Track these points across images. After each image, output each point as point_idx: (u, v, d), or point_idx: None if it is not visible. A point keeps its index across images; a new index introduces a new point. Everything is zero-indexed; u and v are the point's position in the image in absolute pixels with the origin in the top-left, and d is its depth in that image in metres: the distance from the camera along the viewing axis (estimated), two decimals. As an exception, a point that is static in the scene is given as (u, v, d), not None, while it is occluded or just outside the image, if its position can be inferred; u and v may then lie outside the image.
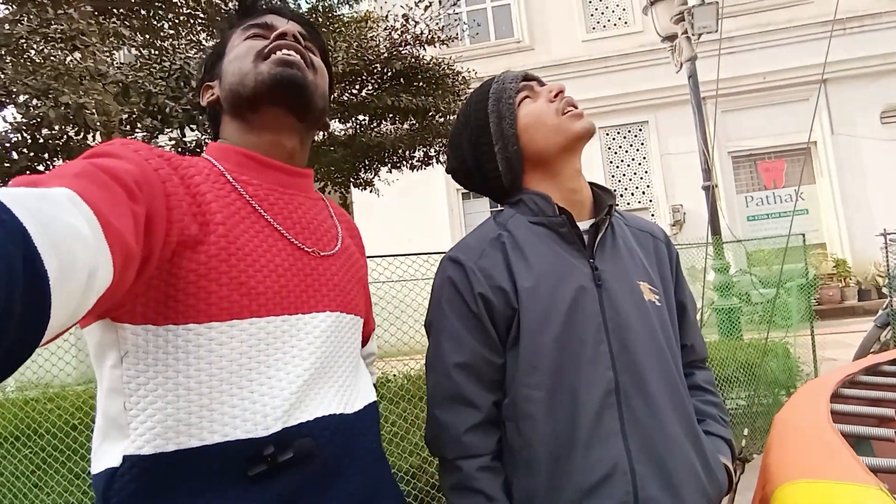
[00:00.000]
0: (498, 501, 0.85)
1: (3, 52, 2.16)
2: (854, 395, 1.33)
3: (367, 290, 0.94)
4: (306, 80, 0.76)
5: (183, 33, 4.17)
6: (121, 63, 2.28)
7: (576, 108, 0.94)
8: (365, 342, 0.99)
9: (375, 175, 4.97)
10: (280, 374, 0.67)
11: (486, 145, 0.96)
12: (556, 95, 0.94)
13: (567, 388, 0.85)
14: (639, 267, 0.95)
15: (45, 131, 2.30)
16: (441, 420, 0.90)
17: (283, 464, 0.63)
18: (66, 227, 0.41)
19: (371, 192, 5.02)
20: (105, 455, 0.62)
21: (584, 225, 0.94)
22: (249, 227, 0.69)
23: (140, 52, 3.11)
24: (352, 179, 4.95)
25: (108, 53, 2.38)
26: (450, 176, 1.08)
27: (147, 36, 3.31)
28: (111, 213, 0.49)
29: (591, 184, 1.01)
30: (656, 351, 0.90)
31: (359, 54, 3.18)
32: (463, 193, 11.07)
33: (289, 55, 0.75)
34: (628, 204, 10.69)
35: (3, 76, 2.03)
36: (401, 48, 3.40)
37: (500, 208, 1.01)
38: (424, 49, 3.63)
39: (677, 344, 0.97)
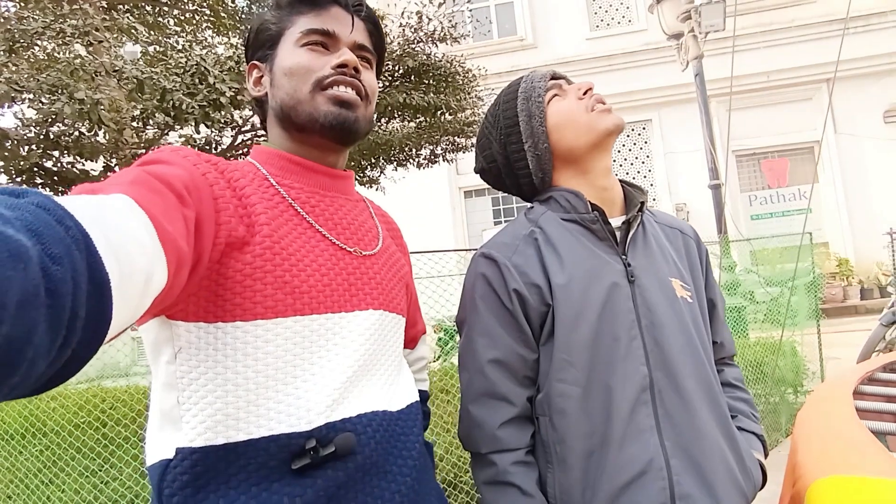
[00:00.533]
0: (532, 496, 0.86)
1: (18, 48, 2.16)
2: (875, 393, 1.34)
3: (412, 290, 0.95)
4: (358, 121, 0.77)
5: (189, 30, 4.16)
6: (129, 59, 2.28)
7: (604, 104, 0.94)
8: (413, 345, 1.00)
9: (381, 173, 4.96)
10: (324, 371, 0.68)
11: (516, 144, 0.96)
12: (585, 93, 0.95)
13: (601, 384, 0.86)
14: (670, 264, 0.96)
15: (55, 128, 2.30)
16: (475, 415, 0.91)
17: (325, 458, 0.64)
18: (125, 233, 0.44)
19: (377, 189, 5.01)
20: (159, 447, 0.65)
21: (615, 222, 0.94)
22: (293, 228, 0.71)
23: (146, 48, 3.11)
24: (357, 178, 4.94)
25: (120, 49, 2.38)
26: (459, 175, 1.08)
27: (153, 32, 3.30)
28: (165, 218, 0.51)
29: (621, 181, 1.01)
30: (689, 347, 0.90)
31: None
32: (465, 192, 11.08)
33: (346, 93, 0.75)
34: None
35: (17, 72, 2.02)
36: (414, 45, 3.39)
37: (511, 205, 1.01)
38: (437, 46, 3.62)
39: (709, 341, 0.98)
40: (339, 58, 0.75)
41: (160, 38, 4.02)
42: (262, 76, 0.81)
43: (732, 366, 1.09)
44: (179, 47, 2.79)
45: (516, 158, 0.97)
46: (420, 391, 0.99)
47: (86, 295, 0.36)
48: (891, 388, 1.36)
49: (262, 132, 0.91)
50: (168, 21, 4.45)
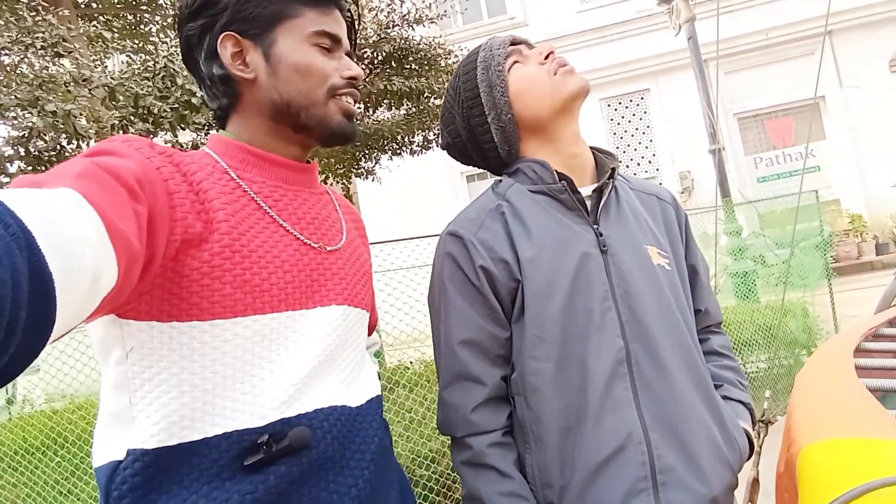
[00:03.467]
0: (511, 477, 0.83)
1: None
2: (878, 349, 1.28)
3: (371, 282, 0.94)
4: (357, 131, 0.81)
5: (172, 35, 4.12)
6: (105, 68, 2.25)
7: (566, 65, 0.89)
8: (370, 332, 0.99)
9: (376, 163, 4.91)
10: (282, 368, 0.67)
11: (479, 117, 0.92)
12: (546, 57, 0.90)
13: (575, 358, 0.82)
14: (646, 231, 0.92)
15: (39, 143, 2.29)
16: (448, 401, 0.89)
17: (279, 454, 0.63)
18: (70, 229, 0.41)
19: (373, 180, 4.97)
20: (108, 448, 0.63)
21: (586, 190, 0.90)
22: (254, 224, 0.69)
23: (130, 57, 3.07)
24: (353, 170, 4.90)
25: (96, 60, 2.34)
26: (447, 154, 1.04)
27: (136, 41, 3.26)
28: (114, 213, 0.48)
29: (592, 148, 0.97)
30: (667, 316, 0.86)
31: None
32: (467, 176, 11.00)
33: (353, 106, 0.79)
34: (634, 174, 10.56)
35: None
36: (388, 30, 3.32)
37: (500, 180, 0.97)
38: (413, 29, 3.55)
39: (690, 309, 0.93)
40: (350, 70, 0.77)
41: (144, 45, 3.98)
42: (245, 55, 0.73)
43: (719, 333, 1.04)
44: (158, 53, 2.75)
45: (480, 132, 0.93)
46: None
47: (27, 296, 0.34)
48: (894, 342, 1.30)
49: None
50: (150, 28, 4.41)
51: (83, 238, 0.42)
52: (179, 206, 0.61)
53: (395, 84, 3.33)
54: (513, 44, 0.95)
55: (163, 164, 0.62)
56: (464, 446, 0.87)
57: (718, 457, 0.83)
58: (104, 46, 2.43)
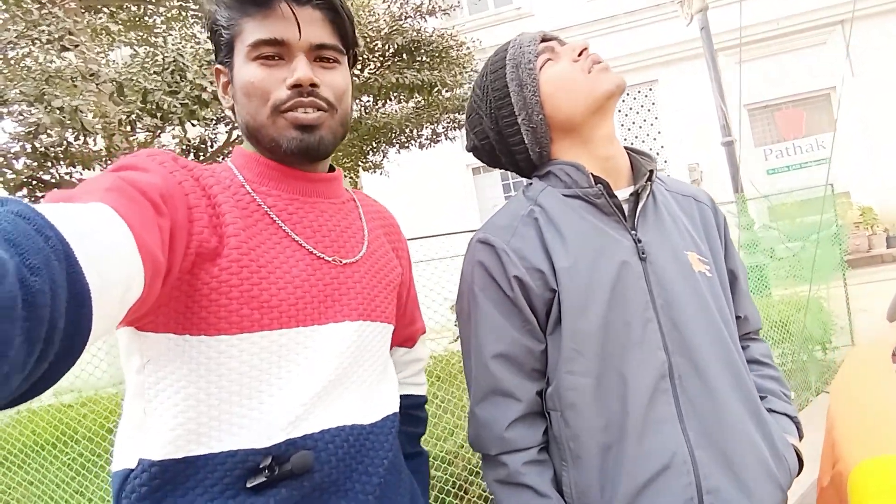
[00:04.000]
0: (548, 496, 0.80)
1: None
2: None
3: (409, 288, 0.91)
4: (322, 140, 0.72)
5: (176, 27, 4.07)
6: (112, 62, 2.20)
7: (601, 63, 0.84)
8: (412, 344, 0.96)
9: (384, 157, 4.86)
10: (291, 385, 0.66)
11: (509, 117, 0.88)
12: (579, 54, 0.85)
13: (615, 373, 0.79)
14: (685, 236, 0.87)
15: (44, 139, 2.25)
16: (481, 417, 0.85)
17: (281, 477, 0.62)
18: (104, 242, 0.43)
19: (381, 174, 4.93)
20: (124, 455, 0.65)
21: (622, 194, 0.86)
22: (266, 239, 0.68)
23: (135, 49, 3.01)
24: (360, 163, 4.86)
25: (102, 53, 2.30)
26: (473, 156, 0.99)
27: (141, 33, 3.21)
28: (142, 227, 0.50)
29: (626, 149, 0.92)
30: (711, 327, 0.82)
31: (361, 33, 3.03)
32: (473, 168, 10.93)
33: (306, 116, 0.69)
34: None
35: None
36: (401, 22, 3.25)
37: (521, 180, 0.93)
38: (426, 20, 3.48)
39: (732, 317, 0.89)
40: (293, 75, 0.68)
41: (149, 37, 3.93)
42: (228, 82, 0.75)
43: (758, 341, 1.00)
44: (166, 46, 2.70)
45: (510, 133, 0.89)
46: (415, 395, 0.95)
47: (65, 305, 0.35)
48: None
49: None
50: (156, 20, 4.36)
51: (116, 250, 0.44)
52: (197, 220, 0.62)
53: (406, 77, 3.27)
54: (543, 40, 0.90)
55: (184, 179, 0.63)
56: (498, 464, 0.83)
57: (767, 476, 0.79)
58: (110, 39, 2.38)
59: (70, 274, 0.36)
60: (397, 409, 0.80)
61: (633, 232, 0.83)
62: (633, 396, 0.77)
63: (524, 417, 0.83)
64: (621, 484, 0.77)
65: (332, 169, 0.82)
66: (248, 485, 0.62)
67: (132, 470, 0.63)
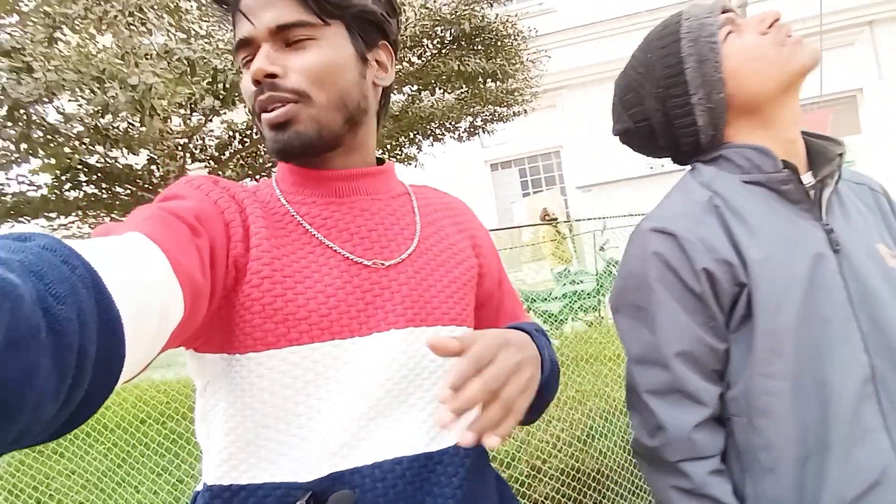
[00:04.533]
0: None
1: (57, 37, 2.01)
2: None
3: (498, 287, 0.81)
4: (299, 135, 0.64)
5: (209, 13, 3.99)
6: (186, 41, 2.13)
7: (792, 35, 0.77)
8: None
9: (419, 149, 4.79)
10: (333, 408, 0.60)
11: (681, 96, 0.81)
12: (770, 25, 0.77)
13: (813, 377, 0.71)
14: (870, 227, 0.80)
15: (104, 119, 2.18)
16: (662, 418, 0.77)
17: None
18: (136, 269, 0.43)
19: (416, 166, 4.86)
20: (202, 477, 0.65)
21: (805, 179, 0.78)
22: (297, 249, 0.64)
23: (207, 30, 2.90)
24: (394, 155, 4.78)
25: (172, 30, 2.23)
26: (620, 141, 0.92)
27: (202, 9, 3.10)
28: (179, 251, 0.50)
29: (802, 132, 0.84)
30: None
31: (429, 13, 2.91)
32: (491, 164, 10.86)
33: (271, 115, 0.63)
34: (662, 166, 10.38)
35: (64, 61, 1.88)
36: (473, 6, 3.14)
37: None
38: (491, 6, 3.39)
39: None
40: (252, 72, 0.63)
41: (208, 13, 3.84)
42: None
43: None
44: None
45: (679, 114, 0.81)
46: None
47: (96, 333, 0.36)
48: None
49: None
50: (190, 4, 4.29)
51: (150, 275, 0.44)
52: (234, 236, 0.61)
53: (468, 65, 3.18)
54: (723, 11, 0.82)
55: (220, 197, 0.62)
56: (678, 473, 0.76)
57: None
58: (179, 18, 2.30)
59: (99, 301, 0.37)
60: None
61: (824, 223, 0.76)
62: (837, 403, 0.70)
63: (708, 422, 0.76)
64: (822, 501, 0.70)
65: (381, 162, 0.76)
66: None
67: (198, 492, 0.64)
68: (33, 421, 0.32)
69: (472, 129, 4.49)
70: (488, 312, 0.80)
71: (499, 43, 3.28)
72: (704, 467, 0.75)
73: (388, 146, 4.63)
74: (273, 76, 0.62)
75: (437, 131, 4.52)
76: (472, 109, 4.23)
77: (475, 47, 3.27)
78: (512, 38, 3.43)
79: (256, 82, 0.62)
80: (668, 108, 0.82)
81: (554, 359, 0.73)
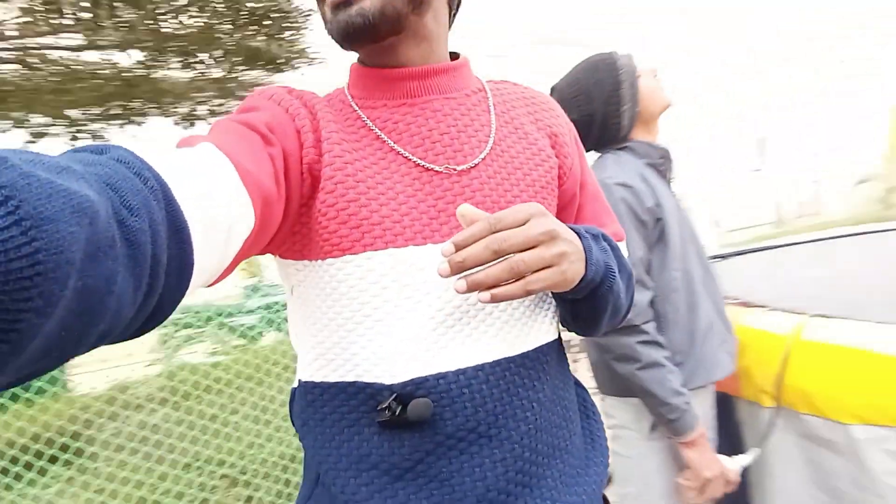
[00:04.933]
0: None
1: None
2: None
3: (581, 188, 0.77)
4: (364, 14, 0.61)
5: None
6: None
7: None
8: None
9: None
10: (411, 314, 0.61)
11: (616, 105, 1.31)
12: (656, 76, 1.36)
13: (685, 269, 1.30)
14: None
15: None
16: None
17: (400, 421, 0.59)
18: (206, 179, 0.45)
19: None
20: (298, 373, 0.70)
21: None
22: (368, 154, 0.64)
23: None
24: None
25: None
26: None
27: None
28: (248, 160, 0.51)
29: None
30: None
31: None
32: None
33: None
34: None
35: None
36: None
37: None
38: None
39: None
40: None
41: None
42: None
43: None
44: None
45: (613, 115, 1.31)
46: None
47: (166, 242, 0.38)
48: None
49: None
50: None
51: (217, 185, 0.46)
52: (305, 143, 0.61)
53: (261, 45, 2.83)
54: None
55: (291, 104, 0.63)
56: (641, 331, 1.18)
57: None
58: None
59: (169, 212, 0.39)
60: (556, 337, 0.72)
61: (672, 190, 1.36)
62: (695, 283, 1.29)
63: (650, 299, 1.25)
64: (698, 332, 1.27)
65: (455, 57, 0.73)
66: (377, 420, 0.60)
67: (295, 388, 0.69)
68: (113, 324, 0.33)
69: (191, 117, 3.99)
70: (568, 216, 0.76)
71: (282, 28, 3.04)
72: (652, 327, 1.19)
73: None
74: None
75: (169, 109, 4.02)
76: (203, 93, 3.81)
77: (257, 24, 2.98)
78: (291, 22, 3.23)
79: None
80: (607, 110, 1.31)
81: (628, 268, 0.72)
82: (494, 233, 0.52)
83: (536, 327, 0.68)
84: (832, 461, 1.18)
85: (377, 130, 0.65)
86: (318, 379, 0.65)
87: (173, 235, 0.39)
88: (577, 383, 0.75)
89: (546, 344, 0.68)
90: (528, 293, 0.53)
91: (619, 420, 1.30)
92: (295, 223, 0.62)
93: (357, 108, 0.67)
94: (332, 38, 0.65)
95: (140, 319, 0.38)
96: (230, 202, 0.47)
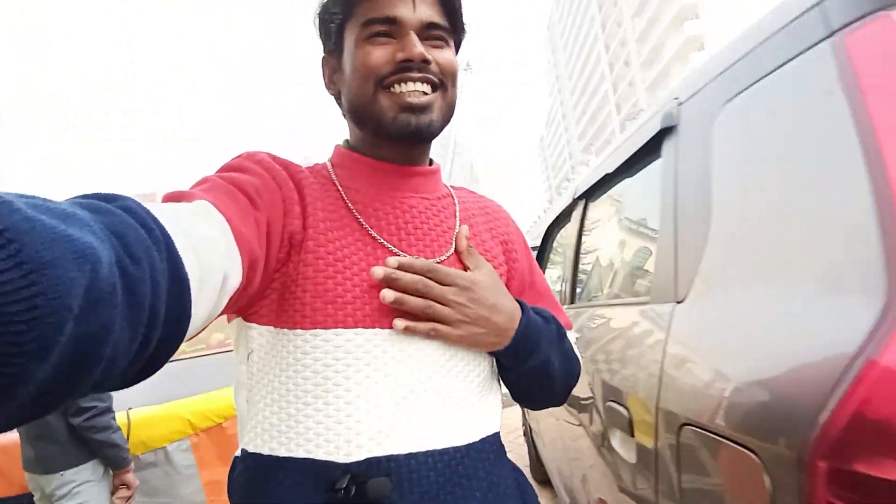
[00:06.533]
0: None
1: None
2: None
3: (530, 287, 0.84)
4: (432, 123, 0.69)
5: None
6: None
7: None
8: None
9: None
10: (371, 394, 0.62)
11: None
12: None
13: None
14: None
15: None
16: None
17: (359, 499, 0.59)
18: (203, 234, 0.47)
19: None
20: (240, 441, 0.67)
21: None
22: (347, 235, 0.67)
23: None
24: None
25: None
26: None
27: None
28: (239, 220, 0.54)
29: None
30: None
31: None
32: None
33: (416, 99, 0.67)
34: None
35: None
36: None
37: None
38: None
39: None
40: (403, 51, 0.67)
41: None
42: (335, 72, 0.75)
43: None
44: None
45: None
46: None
47: (166, 293, 0.39)
48: None
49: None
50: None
51: (214, 242, 0.48)
52: (290, 213, 0.64)
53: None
54: None
55: (278, 174, 0.66)
56: None
57: None
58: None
59: (171, 264, 0.40)
60: (497, 430, 0.74)
61: None
62: None
63: None
64: None
65: (430, 162, 0.79)
66: (326, 499, 0.59)
67: (237, 456, 0.66)
68: (107, 373, 0.33)
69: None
70: None
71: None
72: None
73: None
74: (427, 62, 0.67)
75: None
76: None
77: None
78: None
79: (407, 61, 0.66)
80: None
81: (569, 351, 0.79)
82: (427, 276, 0.65)
83: (483, 418, 0.71)
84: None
85: (357, 214, 0.69)
86: (266, 451, 0.63)
87: (172, 286, 0.40)
88: (514, 467, 0.76)
89: (491, 434, 0.71)
90: (431, 337, 0.65)
91: None
92: (266, 287, 0.63)
93: (340, 189, 0.70)
94: (388, 128, 0.68)
95: (134, 369, 0.38)
96: (224, 259, 0.49)
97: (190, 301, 0.42)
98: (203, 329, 0.50)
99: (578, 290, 2.08)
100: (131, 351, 0.35)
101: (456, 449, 0.66)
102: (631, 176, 1.51)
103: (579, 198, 2.08)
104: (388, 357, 0.64)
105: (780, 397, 0.63)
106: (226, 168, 0.65)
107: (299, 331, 0.62)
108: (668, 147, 1.16)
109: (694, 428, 0.81)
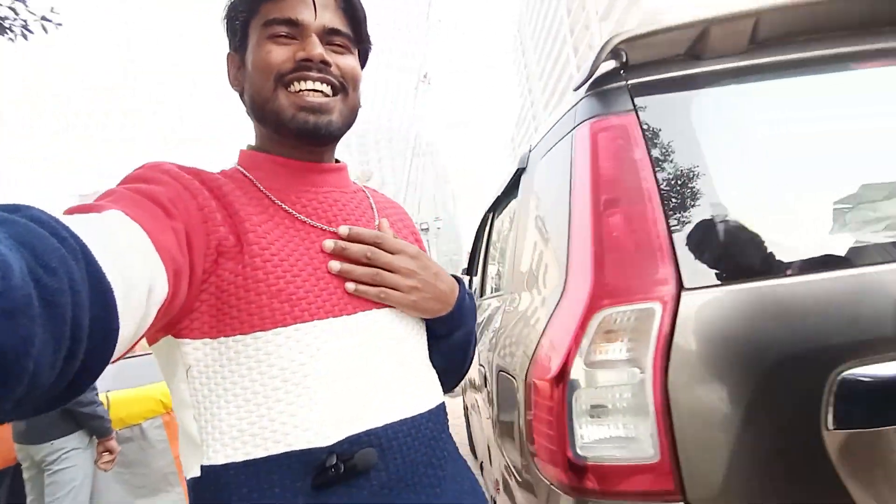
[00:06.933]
0: None
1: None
2: None
3: None
4: (331, 124, 0.71)
5: None
6: None
7: None
8: None
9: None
10: (339, 379, 0.64)
11: None
12: None
13: None
14: None
15: None
16: None
17: (349, 474, 0.61)
18: (122, 243, 0.45)
19: None
20: (189, 464, 0.64)
21: None
22: (284, 232, 0.67)
23: None
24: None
25: None
26: None
27: None
28: (156, 230, 0.52)
29: None
30: None
31: None
32: None
33: (314, 99, 0.69)
34: None
35: None
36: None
37: None
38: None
39: None
40: (304, 50, 0.68)
41: None
42: (238, 69, 0.76)
43: None
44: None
45: None
46: None
47: (88, 303, 0.37)
48: None
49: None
50: None
51: (135, 251, 0.46)
52: (211, 220, 0.62)
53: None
54: None
55: (190, 182, 0.64)
56: None
57: None
58: None
59: (90, 273, 0.38)
60: (443, 398, 0.79)
61: None
62: None
63: None
64: None
65: (337, 161, 0.81)
66: (314, 484, 0.61)
67: (198, 478, 0.61)
68: (30, 390, 0.32)
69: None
70: None
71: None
72: None
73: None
74: (327, 64, 0.69)
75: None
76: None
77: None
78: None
79: (307, 61, 0.68)
80: None
81: (472, 329, 0.85)
82: (375, 245, 0.69)
83: (435, 385, 0.77)
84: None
85: (288, 208, 0.70)
86: (240, 458, 0.60)
87: (95, 296, 0.38)
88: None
89: (441, 402, 0.77)
90: (381, 300, 0.69)
91: None
92: (195, 300, 0.61)
93: (264, 190, 0.70)
94: (283, 125, 0.69)
95: (61, 385, 0.36)
96: (147, 268, 0.47)
97: (116, 311, 0.40)
98: (134, 345, 0.49)
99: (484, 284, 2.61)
100: (56, 365, 0.34)
101: (421, 415, 0.70)
102: (507, 196, 2.03)
103: (488, 211, 2.59)
104: (344, 342, 0.65)
105: (527, 354, 1.11)
106: (130, 179, 0.61)
107: (259, 333, 0.61)
108: (523, 181, 1.63)
109: (502, 372, 1.30)
